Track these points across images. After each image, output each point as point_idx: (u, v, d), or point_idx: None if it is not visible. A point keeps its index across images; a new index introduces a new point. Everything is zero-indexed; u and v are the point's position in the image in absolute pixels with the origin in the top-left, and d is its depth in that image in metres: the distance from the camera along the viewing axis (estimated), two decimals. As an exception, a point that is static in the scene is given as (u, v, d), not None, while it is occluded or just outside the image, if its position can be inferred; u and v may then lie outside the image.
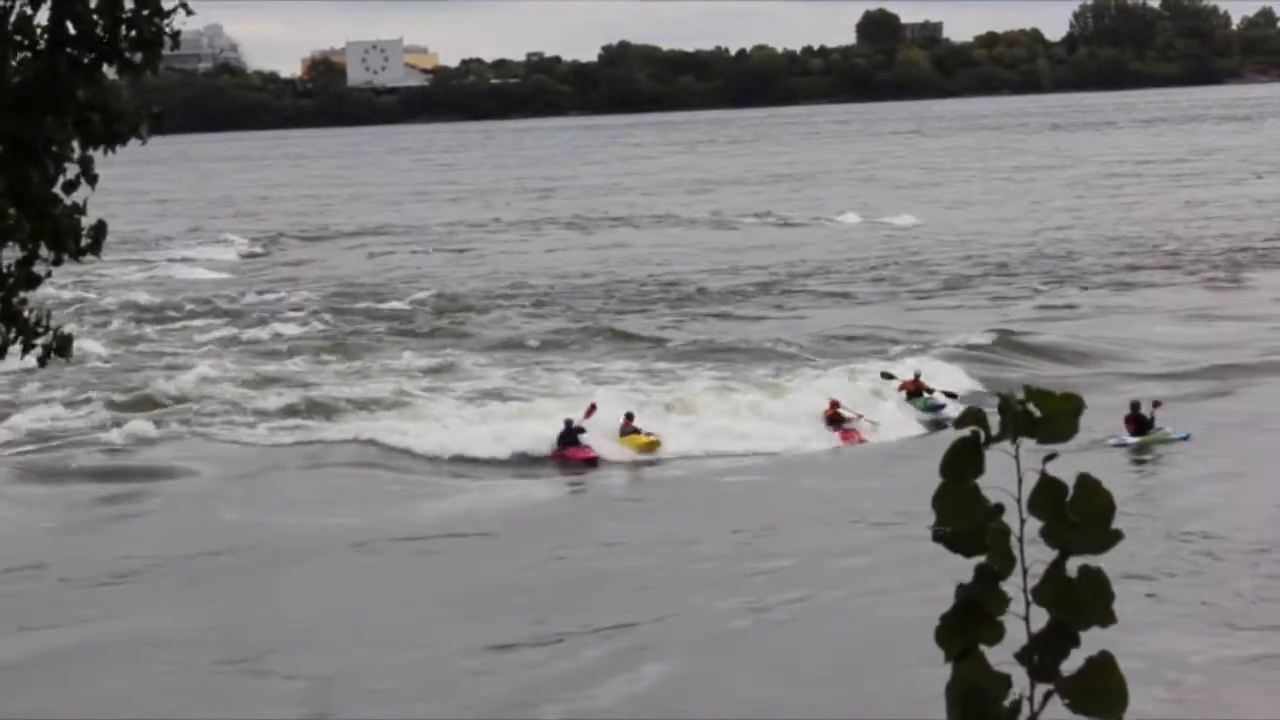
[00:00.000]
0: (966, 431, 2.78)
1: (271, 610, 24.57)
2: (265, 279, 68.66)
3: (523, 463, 35.15)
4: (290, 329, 52.90)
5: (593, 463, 35.11)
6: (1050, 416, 2.75)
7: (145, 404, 40.65)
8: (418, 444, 36.17)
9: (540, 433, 35.99)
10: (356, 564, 27.22)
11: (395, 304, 57.63)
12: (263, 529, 29.34)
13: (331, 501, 31.69)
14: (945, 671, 2.89)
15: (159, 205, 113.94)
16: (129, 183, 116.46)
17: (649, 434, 35.66)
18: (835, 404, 37.18)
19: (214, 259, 77.48)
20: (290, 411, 39.45)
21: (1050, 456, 2.78)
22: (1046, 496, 2.73)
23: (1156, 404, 34.78)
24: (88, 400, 41.16)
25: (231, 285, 66.27)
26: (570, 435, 35.51)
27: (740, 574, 25.24)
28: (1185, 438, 34.06)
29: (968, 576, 2.92)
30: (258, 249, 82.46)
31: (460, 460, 35.30)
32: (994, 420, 2.87)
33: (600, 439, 35.48)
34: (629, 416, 36.05)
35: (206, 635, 23.16)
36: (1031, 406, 2.76)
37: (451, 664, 21.69)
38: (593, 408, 36.05)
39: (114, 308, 59.06)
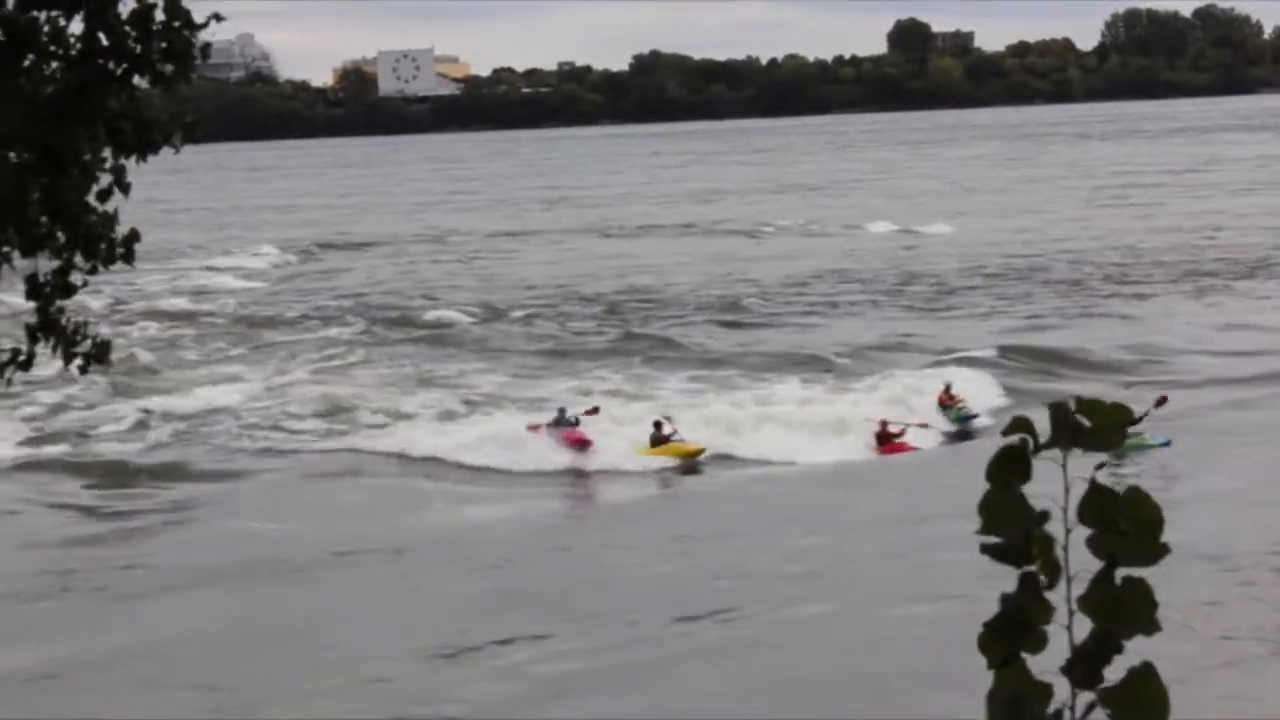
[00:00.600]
0: (1014, 439, 2.77)
1: (222, 624, 24.51)
2: (293, 288, 68.91)
3: (530, 471, 34.84)
4: (314, 337, 53.18)
5: (585, 445, 34.88)
6: (1099, 427, 2.74)
7: (169, 412, 40.91)
8: (414, 451, 35.99)
9: (543, 440, 35.63)
10: (341, 574, 27.15)
11: (413, 312, 57.87)
12: (259, 539, 29.34)
13: (329, 510, 31.66)
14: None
15: (189, 214, 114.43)
16: (160, 191, 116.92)
17: (688, 441, 35.22)
18: (884, 423, 36.44)
19: (244, 267, 77.98)
20: (313, 419, 39.68)
21: (1100, 465, 2.76)
22: (1095, 505, 2.72)
23: (1162, 400, 33.23)
24: (112, 403, 41.60)
25: (258, 294, 66.57)
26: (564, 421, 35.41)
27: (750, 583, 25.04)
28: (1166, 443, 32.85)
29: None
30: (288, 257, 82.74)
31: (464, 468, 35.05)
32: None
33: (616, 444, 35.24)
34: (657, 425, 35.58)
35: (175, 648, 23.09)
36: (1081, 416, 2.75)
37: (444, 671, 21.65)
38: (595, 409, 35.89)
39: (144, 315, 59.41)
